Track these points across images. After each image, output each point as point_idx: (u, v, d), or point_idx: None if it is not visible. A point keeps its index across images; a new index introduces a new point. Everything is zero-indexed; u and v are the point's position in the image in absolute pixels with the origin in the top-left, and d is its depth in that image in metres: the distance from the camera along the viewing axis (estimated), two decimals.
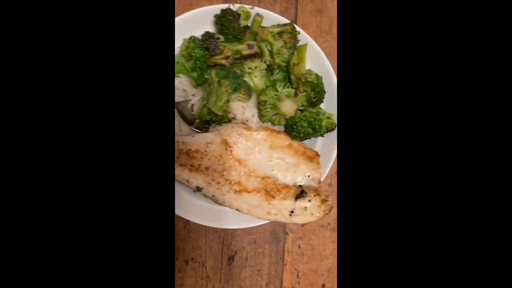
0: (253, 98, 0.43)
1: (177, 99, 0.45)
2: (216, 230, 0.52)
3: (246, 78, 0.42)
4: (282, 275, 0.54)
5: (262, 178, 0.42)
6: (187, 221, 0.51)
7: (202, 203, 0.45)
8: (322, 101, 0.43)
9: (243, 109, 0.42)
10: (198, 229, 0.52)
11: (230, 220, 0.46)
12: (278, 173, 0.43)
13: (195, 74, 0.41)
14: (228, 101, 0.41)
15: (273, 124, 0.44)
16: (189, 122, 0.46)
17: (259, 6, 0.52)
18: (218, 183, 0.42)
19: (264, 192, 0.42)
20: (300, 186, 0.42)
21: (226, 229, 0.52)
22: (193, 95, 0.45)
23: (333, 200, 0.48)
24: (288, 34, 0.40)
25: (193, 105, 0.46)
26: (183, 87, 0.44)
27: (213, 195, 0.43)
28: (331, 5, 0.54)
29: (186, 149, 0.42)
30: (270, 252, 0.53)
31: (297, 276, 0.54)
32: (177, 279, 0.53)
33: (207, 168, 0.42)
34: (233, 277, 0.53)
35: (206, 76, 0.41)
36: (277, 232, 0.53)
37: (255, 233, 0.53)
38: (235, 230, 0.52)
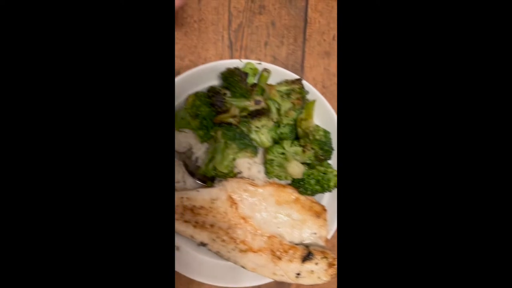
0: (260, 153, 0.42)
1: (181, 149, 0.44)
2: None
3: (253, 135, 0.41)
4: None
5: (268, 237, 0.41)
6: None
7: (208, 258, 0.45)
8: (330, 158, 0.42)
9: (249, 165, 0.42)
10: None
11: (240, 278, 0.45)
12: (285, 231, 0.42)
13: (201, 132, 0.40)
14: (234, 159, 0.40)
15: (279, 179, 0.43)
16: (193, 173, 0.45)
17: (265, 49, 0.51)
18: (223, 240, 0.41)
19: (270, 253, 0.41)
20: (307, 247, 0.41)
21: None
22: (198, 148, 0.44)
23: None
24: (296, 94, 0.39)
25: (197, 157, 0.45)
26: (188, 140, 0.43)
27: (218, 251, 0.42)
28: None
29: (191, 205, 0.42)
30: None
31: None
32: None
33: (212, 225, 0.42)
34: None
35: (212, 133, 0.41)
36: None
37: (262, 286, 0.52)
38: None
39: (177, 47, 0.49)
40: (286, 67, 0.52)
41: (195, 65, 0.51)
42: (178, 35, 0.49)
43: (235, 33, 0.50)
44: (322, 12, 0.52)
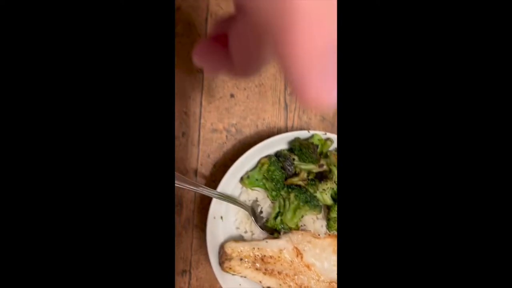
0: (322, 213, 0.49)
1: (249, 202, 0.50)
2: None
3: (317, 195, 0.47)
4: None
5: (329, 283, 0.48)
6: None
7: None
8: None
9: (313, 220, 0.48)
10: None
11: None
12: None
13: (274, 193, 0.47)
14: (303, 216, 0.47)
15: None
16: (258, 224, 0.51)
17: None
18: (290, 286, 0.47)
19: None
20: None
21: None
22: (264, 201, 0.50)
23: None
24: None
25: (262, 209, 0.51)
26: (257, 196, 0.50)
27: None
28: None
29: (261, 255, 0.48)
30: None
31: None
32: None
33: (279, 272, 0.48)
34: None
35: (282, 193, 0.47)
36: None
37: None
38: None
39: (240, 108, 0.56)
40: (333, 125, 0.59)
41: (255, 123, 0.58)
42: (241, 98, 0.56)
43: (290, 96, 0.57)
44: None
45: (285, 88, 0.57)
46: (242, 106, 0.56)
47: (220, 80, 0.56)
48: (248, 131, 0.57)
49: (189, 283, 0.54)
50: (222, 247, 0.47)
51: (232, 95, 0.56)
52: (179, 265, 0.55)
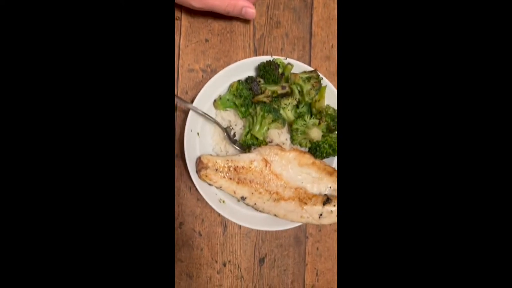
0: (286, 126, 0.56)
1: (224, 125, 0.57)
2: (249, 235, 0.62)
3: (281, 111, 0.54)
4: (304, 274, 0.64)
5: (295, 189, 0.54)
6: (225, 228, 0.61)
7: (245, 210, 0.56)
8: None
9: (278, 134, 0.55)
10: (234, 235, 0.62)
11: (265, 224, 0.56)
12: (307, 185, 0.54)
13: (243, 109, 0.53)
14: (268, 129, 0.53)
15: (301, 146, 0.56)
16: (233, 143, 0.57)
17: (281, 53, 0.65)
18: (260, 193, 0.53)
19: (298, 200, 0.53)
20: (326, 195, 0.54)
21: (258, 234, 0.62)
22: (235, 125, 0.57)
23: None
24: (314, 79, 0.53)
25: (235, 132, 0.57)
26: (229, 118, 0.56)
27: (255, 204, 0.54)
28: (335, 53, 0.69)
29: (234, 166, 0.54)
30: (293, 254, 0.63)
31: (316, 274, 0.64)
32: (216, 279, 0.62)
33: (251, 181, 0.54)
34: (263, 277, 0.63)
35: (250, 110, 0.54)
36: (299, 236, 0.64)
37: (281, 238, 0.63)
38: (265, 235, 0.62)
39: (214, 51, 0.63)
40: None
41: (228, 64, 0.65)
42: (215, 42, 0.64)
43: (258, 41, 0.65)
44: (322, 27, 0.68)
45: (254, 34, 0.65)
46: (216, 49, 0.63)
47: (196, 27, 0.64)
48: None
49: None
50: (199, 158, 0.53)
51: (206, 40, 0.63)
52: None
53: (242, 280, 0.62)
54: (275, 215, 0.54)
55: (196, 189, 0.54)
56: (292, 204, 0.53)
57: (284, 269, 0.63)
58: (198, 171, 0.53)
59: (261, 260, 0.63)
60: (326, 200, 0.53)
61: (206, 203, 0.55)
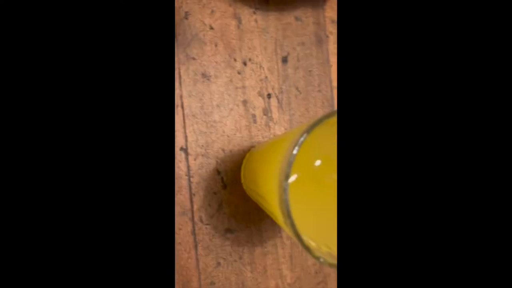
0: None
1: None
2: (267, 30, 0.53)
3: None
4: (330, 75, 0.57)
5: None
6: (240, 21, 0.51)
7: None
8: None
9: None
10: (251, 29, 0.52)
11: None
12: None
13: None
14: None
15: None
16: None
17: None
18: None
19: None
20: None
21: (277, 29, 0.53)
22: None
23: None
24: None
25: None
26: None
27: None
28: None
29: None
30: (317, 54, 0.56)
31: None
32: (237, 80, 0.52)
33: None
34: (289, 77, 0.54)
35: None
36: (319, 35, 0.57)
37: (302, 35, 0.55)
38: (285, 30, 0.54)
39: None
40: None
41: None
42: None
43: None
44: None
45: None
46: None
47: None
48: None
49: None
50: None
51: None
52: None
53: (267, 81, 0.53)
54: None
55: None
56: None
57: (310, 69, 0.56)
58: None
59: (284, 60, 0.54)
60: None
61: None
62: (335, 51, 0.58)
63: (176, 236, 0.49)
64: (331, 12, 0.57)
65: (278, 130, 0.54)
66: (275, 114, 0.53)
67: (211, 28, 0.51)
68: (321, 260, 0.26)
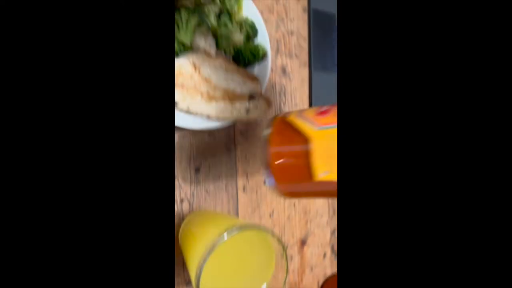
0: (210, 34, 0.60)
1: None
2: (184, 148, 0.65)
3: (204, 18, 0.58)
4: (236, 177, 0.71)
5: (224, 90, 0.59)
6: None
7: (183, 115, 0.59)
8: (256, 36, 0.62)
9: (204, 40, 0.58)
10: None
11: (207, 124, 0.61)
12: (233, 87, 0.60)
13: None
14: (194, 32, 0.56)
15: (225, 53, 0.61)
16: None
17: None
18: (192, 95, 0.57)
19: (228, 99, 0.59)
20: (250, 93, 0.61)
21: (192, 146, 0.66)
22: None
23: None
24: None
25: None
26: None
27: (188, 107, 0.57)
28: None
29: None
30: (226, 162, 0.70)
31: (246, 177, 0.72)
32: None
33: (182, 86, 0.57)
34: (200, 183, 0.67)
35: (176, 17, 0.56)
36: (229, 146, 0.70)
37: (213, 148, 0.68)
38: (199, 146, 0.66)
39: None
40: None
41: None
42: None
43: None
44: None
45: None
46: None
47: None
48: None
49: None
50: None
51: None
52: None
53: (181, 188, 0.66)
54: (208, 116, 0.59)
55: None
56: (222, 103, 0.58)
57: (218, 175, 0.69)
58: None
59: (197, 170, 0.67)
60: (251, 97, 0.60)
61: None
62: (241, 156, 0.72)
63: None
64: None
65: None
66: None
67: None
68: None
